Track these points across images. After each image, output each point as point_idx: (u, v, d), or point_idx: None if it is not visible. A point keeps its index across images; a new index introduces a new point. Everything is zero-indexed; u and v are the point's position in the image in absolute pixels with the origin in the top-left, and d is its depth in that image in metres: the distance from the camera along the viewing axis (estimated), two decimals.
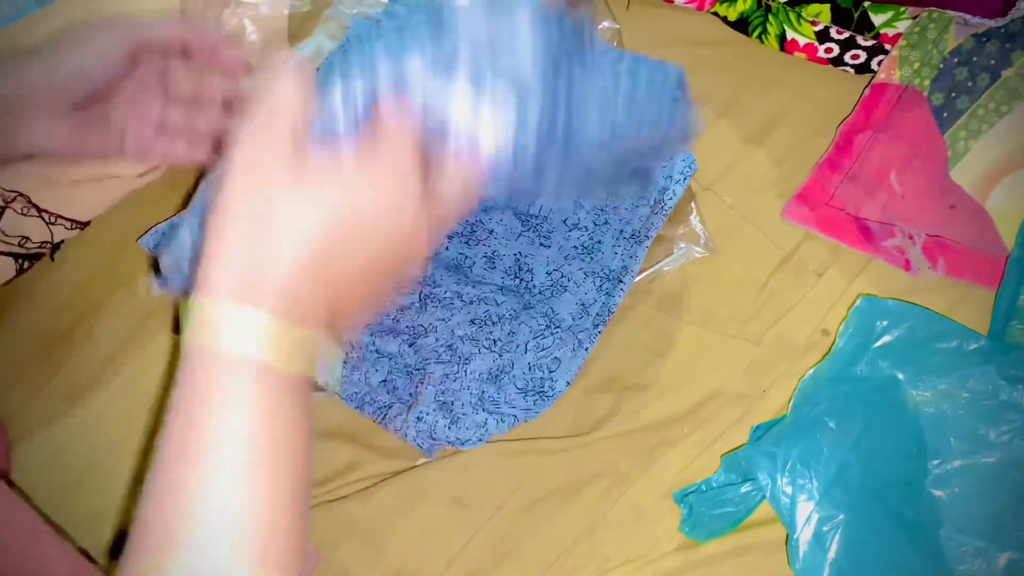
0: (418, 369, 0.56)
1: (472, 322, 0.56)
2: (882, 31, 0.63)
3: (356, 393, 0.56)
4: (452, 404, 0.54)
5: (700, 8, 0.68)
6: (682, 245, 0.60)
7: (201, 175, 0.62)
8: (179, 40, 0.46)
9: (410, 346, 0.56)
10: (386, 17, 0.36)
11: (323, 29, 0.62)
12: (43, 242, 0.61)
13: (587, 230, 0.57)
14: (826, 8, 0.63)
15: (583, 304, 0.56)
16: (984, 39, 0.60)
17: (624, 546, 0.53)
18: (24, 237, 0.60)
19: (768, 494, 0.52)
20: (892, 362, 0.54)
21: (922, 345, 0.54)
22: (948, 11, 0.61)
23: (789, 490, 0.51)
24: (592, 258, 0.57)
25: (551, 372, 0.54)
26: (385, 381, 0.56)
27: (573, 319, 0.56)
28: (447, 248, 0.59)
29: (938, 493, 0.52)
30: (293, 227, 0.30)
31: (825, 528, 0.50)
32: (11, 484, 0.54)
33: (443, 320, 0.56)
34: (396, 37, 0.33)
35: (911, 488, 0.52)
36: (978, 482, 0.51)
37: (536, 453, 0.56)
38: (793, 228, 0.61)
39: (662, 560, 0.53)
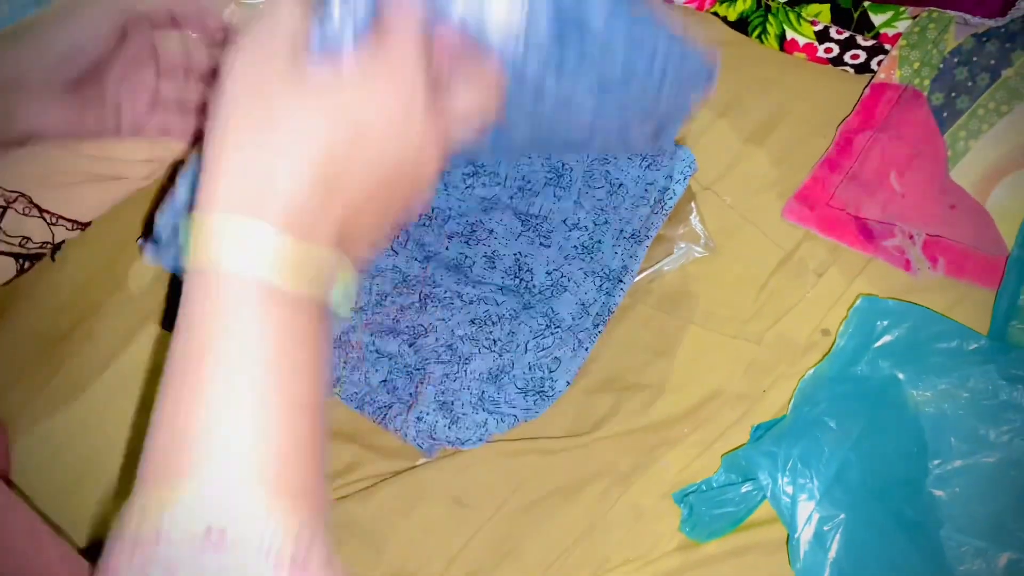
0: (418, 369, 0.56)
1: (472, 322, 0.56)
2: (882, 31, 0.63)
3: (356, 393, 0.56)
4: (452, 404, 0.54)
5: (700, 8, 0.68)
6: (682, 245, 0.60)
7: None
8: (167, 11, 0.45)
9: (410, 346, 0.56)
10: None
11: None
12: (44, 242, 0.61)
13: (587, 230, 0.58)
14: (826, 8, 0.63)
15: (583, 304, 0.56)
16: (984, 39, 0.60)
17: (624, 546, 0.53)
18: (25, 237, 0.60)
19: (769, 494, 0.51)
20: (892, 362, 0.54)
21: (922, 345, 0.54)
22: (948, 11, 0.61)
23: (790, 490, 0.51)
24: (592, 258, 0.57)
25: (551, 372, 0.54)
26: (385, 381, 0.56)
27: (573, 319, 0.56)
28: (447, 248, 0.59)
29: (938, 493, 0.51)
30: (296, 137, 0.29)
31: (826, 528, 0.50)
32: (10, 484, 0.54)
33: (443, 320, 0.56)
34: None
35: (911, 488, 0.52)
36: (978, 482, 0.51)
37: (536, 453, 0.56)
38: (793, 228, 0.61)
39: (662, 560, 0.53)
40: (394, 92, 0.30)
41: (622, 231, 0.57)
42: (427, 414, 0.54)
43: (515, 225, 0.59)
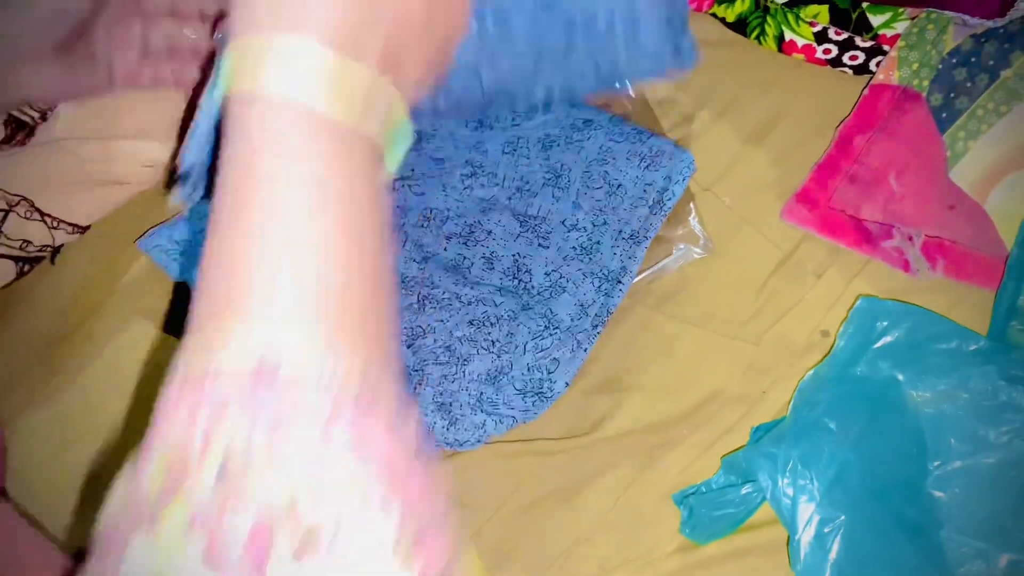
0: (416, 370, 0.56)
1: (470, 323, 0.56)
2: (880, 32, 0.63)
3: None
4: (450, 405, 0.54)
5: (698, 9, 0.68)
6: (681, 246, 0.60)
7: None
8: None
9: (408, 347, 0.56)
10: None
11: None
12: (44, 246, 0.61)
13: (586, 231, 0.58)
14: (824, 9, 0.63)
15: (582, 305, 0.56)
16: (983, 39, 0.60)
17: (624, 548, 0.53)
18: (26, 241, 0.60)
19: (769, 495, 0.51)
20: (892, 363, 0.54)
21: (922, 346, 0.54)
22: (947, 12, 0.61)
23: (790, 491, 0.51)
24: (591, 259, 0.57)
25: (550, 373, 0.54)
26: None
27: (572, 320, 0.56)
28: (445, 249, 0.59)
29: (938, 494, 0.51)
30: None
31: (826, 529, 0.50)
32: (3, 493, 0.54)
33: (441, 321, 0.56)
34: None
35: (911, 489, 0.52)
36: (978, 483, 0.51)
37: (535, 454, 0.55)
38: (792, 229, 0.60)
39: (662, 562, 0.53)
40: None
41: (621, 232, 0.57)
42: (425, 415, 0.54)
43: (513, 226, 0.59)
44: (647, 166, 0.57)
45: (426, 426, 0.53)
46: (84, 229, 0.63)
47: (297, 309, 0.25)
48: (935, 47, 0.61)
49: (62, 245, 0.62)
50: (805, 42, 0.65)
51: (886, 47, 0.63)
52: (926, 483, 0.52)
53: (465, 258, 0.59)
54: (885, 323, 0.54)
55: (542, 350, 0.55)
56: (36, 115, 0.56)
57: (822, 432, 0.52)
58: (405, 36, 0.29)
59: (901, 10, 0.62)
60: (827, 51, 0.65)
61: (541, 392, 0.54)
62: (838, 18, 0.63)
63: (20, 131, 0.56)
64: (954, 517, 0.50)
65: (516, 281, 0.58)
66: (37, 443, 0.58)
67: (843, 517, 0.50)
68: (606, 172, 0.58)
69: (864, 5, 0.62)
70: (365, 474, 0.23)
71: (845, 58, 0.65)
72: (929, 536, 0.50)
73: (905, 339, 0.54)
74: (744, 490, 0.52)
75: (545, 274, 0.57)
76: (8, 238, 0.59)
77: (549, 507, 0.54)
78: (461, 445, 0.53)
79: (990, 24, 0.60)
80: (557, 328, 0.55)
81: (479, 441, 0.53)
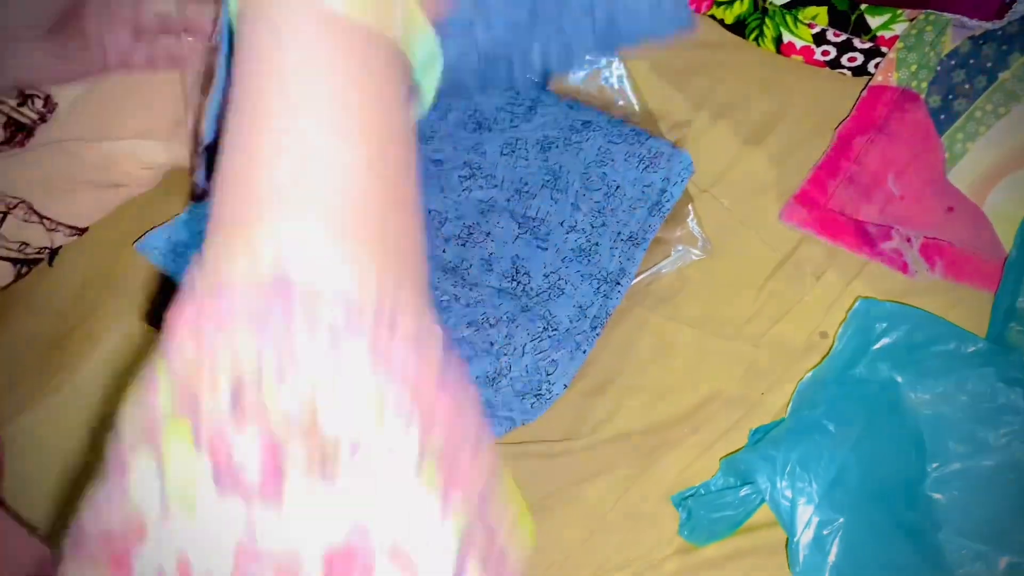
0: None
1: (469, 325, 0.56)
2: (879, 33, 0.63)
3: None
4: None
5: (697, 11, 0.68)
6: (680, 247, 0.60)
7: (198, 194, 0.62)
8: None
9: None
10: None
11: None
12: (42, 248, 0.61)
13: (584, 232, 0.57)
14: (823, 11, 0.63)
15: (580, 307, 0.56)
16: (981, 41, 0.60)
17: (623, 549, 0.53)
18: (24, 243, 0.60)
19: (767, 497, 0.51)
20: (891, 364, 0.54)
21: (921, 348, 0.54)
22: (945, 13, 0.61)
23: (789, 493, 0.51)
24: (589, 260, 0.57)
25: (548, 375, 0.54)
26: None
27: (571, 322, 0.55)
28: (444, 251, 0.59)
29: (937, 496, 0.51)
30: None
31: (825, 531, 0.50)
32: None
33: (440, 323, 0.56)
34: None
35: (910, 491, 0.52)
36: (977, 485, 0.51)
37: (534, 456, 0.55)
38: (791, 230, 0.60)
39: (661, 564, 0.53)
40: None
41: (619, 233, 0.57)
42: None
43: (512, 227, 0.59)
44: (646, 167, 0.57)
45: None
46: (82, 231, 0.63)
47: (316, 218, 0.23)
48: (933, 49, 0.61)
49: (60, 247, 0.62)
50: (804, 44, 0.65)
51: (884, 49, 0.63)
52: (925, 485, 0.52)
53: (464, 260, 0.59)
54: (884, 325, 0.54)
55: (541, 352, 0.55)
56: (35, 116, 0.56)
57: (821, 434, 0.52)
58: None
59: (899, 12, 0.62)
60: (826, 53, 0.65)
61: (540, 394, 0.54)
62: (837, 20, 0.63)
63: (20, 132, 0.56)
64: (953, 519, 0.50)
65: (515, 283, 0.58)
66: (35, 444, 0.58)
67: (842, 519, 0.50)
68: (605, 173, 0.58)
69: (863, 7, 0.62)
70: (384, 389, 0.22)
71: (843, 60, 0.65)
72: (928, 538, 0.50)
73: (904, 341, 0.54)
74: (743, 492, 0.52)
75: (544, 276, 0.57)
76: (6, 240, 0.59)
77: (548, 509, 0.54)
78: None
79: (988, 26, 0.60)
80: (556, 330, 0.55)
81: None
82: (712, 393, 0.56)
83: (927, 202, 0.59)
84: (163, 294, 0.60)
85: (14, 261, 0.60)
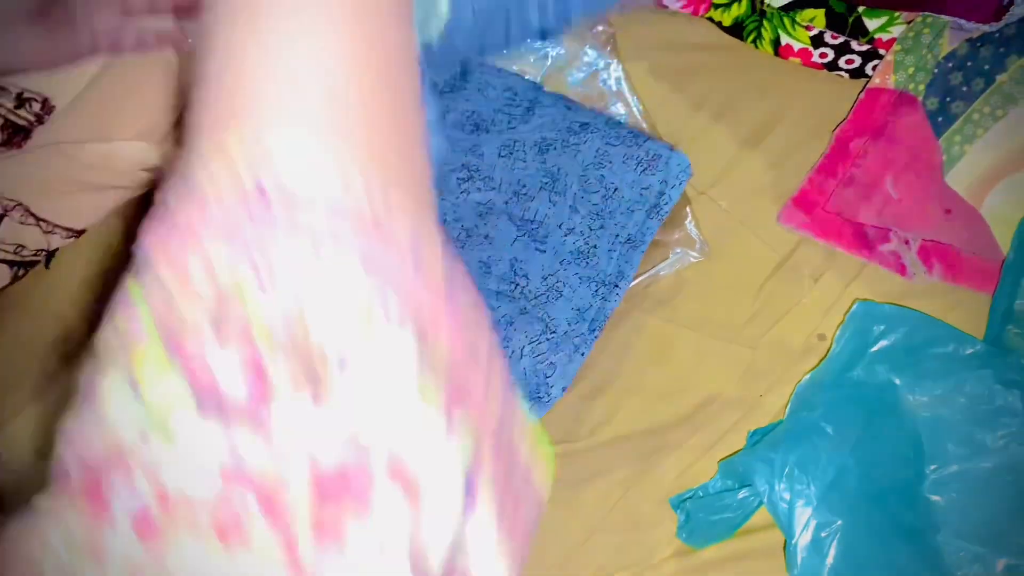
0: None
1: None
2: (876, 36, 0.63)
3: None
4: None
5: (695, 13, 0.68)
6: (678, 250, 0.60)
7: None
8: None
9: None
10: None
11: None
12: (39, 250, 0.61)
13: (582, 235, 0.57)
14: (820, 13, 0.63)
15: (579, 309, 0.56)
16: (978, 44, 0.60)
17: (621, 552, 0.53)
18: (20, 245, 0.59)
19: (766, 499, 0.51)
20: (889, 367, 0.54)
21: (919, 350, 0.54)
22: (942, 16, 0.61)
23: (787, 495, 0.51)
24: (588, 263, 0.57)
25: (547, 377, 0.54)
26: None
27: (569, 324, 0.55)
28: None
29: (935, 498, 0.51)
30: None
31: (823, 534, 0.50)
32: None
33: None
34: None
35: (908, 493, 0.52)
36: (975, 487, 0.51)
37: None
38: (789, 232, 0.61)
39: (660, 566, 0.53)
40: None
41: (617, 236, 0.57)
42: None
43: (510, 230, 0.58)
44: (644, 170, 0.57)
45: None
46: (79, 233, 0.62)
47: (305, 119, 0.22)
48: (931, 51, 0.61)
49: (57, 249, 0.62)
50: (801, 46, 0.65)
51: (882, 51, 0.63)
52: (923, 487, 0.52)
53: (462, 262, 0.59)
54: (882, 327, 0.54)
55: (539, 355, 0.55)
56: (32, 118, 0.56)
57: (819, 436, 0.52)
58: None
59: (897, 14, 0.62)
60: (823, 55, 0.65)
61: (538, 397, 0.54)
62: (834, 22, 0.63)
63: (17, 134, 0.56)
64: (951, 521, 0.50)
65: (513, 286, 0.58)
66: (32, 448, 0.57)
67: (840, 521, 0.50)
68: (603, 176, 0.58)
69: (860, 9, 0.62)
70: (374, 297, 0.20)
71: (841, 62, 0.65)
72: (926, 540, 0.50)
73: (902, 343, 0.54)
74: (741, 494, 0.52)
75: (542, 278, 0.57)
76: (3, 242, 0.59)
77: (546, 511, 0.54)
78: None
79: (985, 28, 0.60)
80: (554, 332, 0.55)
81: None
82: (710, 395, 0.57)
83: (925, 204, 0.59)
84: None
85: (11, 264, 0.60)
